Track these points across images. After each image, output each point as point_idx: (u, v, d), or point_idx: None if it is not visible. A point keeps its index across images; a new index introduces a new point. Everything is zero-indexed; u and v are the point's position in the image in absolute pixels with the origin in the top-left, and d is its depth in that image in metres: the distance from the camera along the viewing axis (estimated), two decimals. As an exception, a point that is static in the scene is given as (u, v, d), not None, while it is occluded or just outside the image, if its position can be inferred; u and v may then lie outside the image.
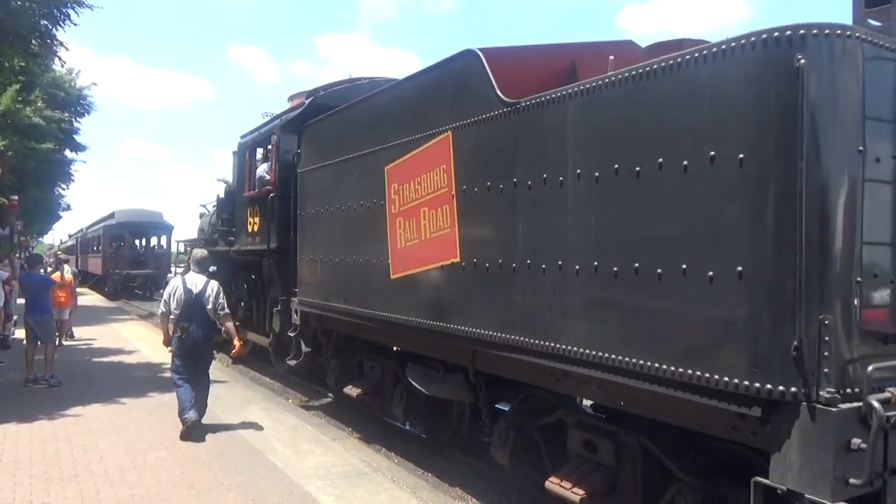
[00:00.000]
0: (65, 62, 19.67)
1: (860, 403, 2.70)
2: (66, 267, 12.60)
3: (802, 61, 2.70)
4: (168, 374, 7.29)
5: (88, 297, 26.07)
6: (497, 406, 5.70)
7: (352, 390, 6.79)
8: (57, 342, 9.79)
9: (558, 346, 3.87)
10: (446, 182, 4.91)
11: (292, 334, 7.88)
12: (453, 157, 4.84)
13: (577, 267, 3.74)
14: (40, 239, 59.22)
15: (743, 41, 2.93)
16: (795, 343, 2.71)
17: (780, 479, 2.83)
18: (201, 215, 13.47)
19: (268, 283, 9.29)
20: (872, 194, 2.92)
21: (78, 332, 14.02)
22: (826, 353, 2.72)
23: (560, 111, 3.90)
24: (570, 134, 3.85)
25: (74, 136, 24.01)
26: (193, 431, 6.25)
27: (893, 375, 2.89)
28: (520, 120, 4.21)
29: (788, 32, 2.79)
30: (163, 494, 4.83)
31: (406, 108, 5.57)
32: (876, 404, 2.64)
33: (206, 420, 6.58)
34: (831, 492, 2.64)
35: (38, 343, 8.73)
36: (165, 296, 6.53)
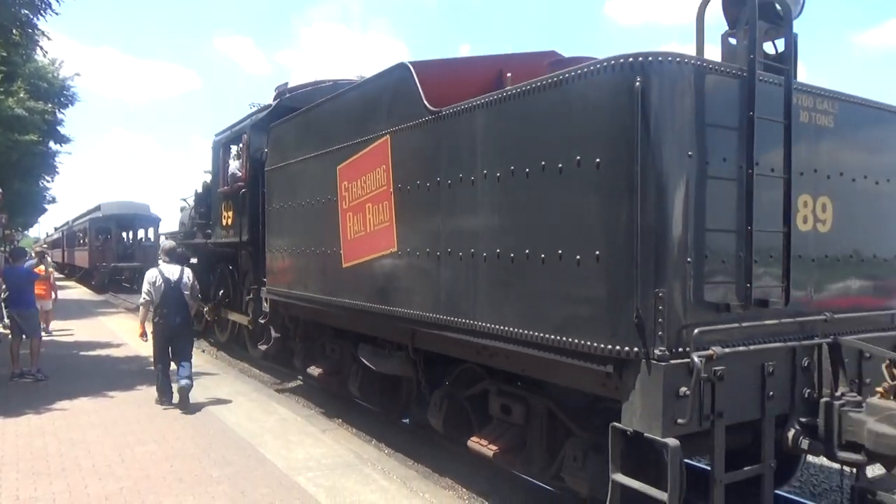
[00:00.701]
0: (47, 52, 19.52)
1: (688, 360, 3.39)
2: (48, 260, 13.09)
3: (639, 83, 3.37)
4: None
5: (75, 291, 26.56)
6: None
7: (314, 370, 7.49)
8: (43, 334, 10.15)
9: (474, 322, 4.55)
10: (386, 181, 5.58)
11: (263, 321, 8.55)
12: (391, 159, 5.50)
13: (485, 254, 4.42)
14: (25, 232, 59.26)
15: (599, 66, 3.60)
16: (636, 312, 3.40)
17: (628, 423, 3.53)
18: (182, 209, 14.10)
19: (243, 273, 9.95)
20: (714, 188, 3.60)
21: (58, 324, 14.18)
22: (660, 320, 3.40)
23: (471, 119, 4.57)
24: (478, 139, 4.52)
25: (58, 128, 24.03)
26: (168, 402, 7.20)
27: (724, 338, 3.58)
28: (442, 126, 4.88)
29: (631, 59, 3.46)
30: (151, 488, 4.82)
31: (353, 114, 6.23)
32: (696, 360, 3.32)
33: (195, 413, 6.82)
34: (662, 430, 3.33)
35: (24, 337, 8.88)
36: (146, 286, 7.17)
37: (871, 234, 4.51)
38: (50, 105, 21.80)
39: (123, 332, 13.81)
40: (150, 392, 7.64)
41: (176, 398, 7.25)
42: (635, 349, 3.42)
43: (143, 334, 7.35)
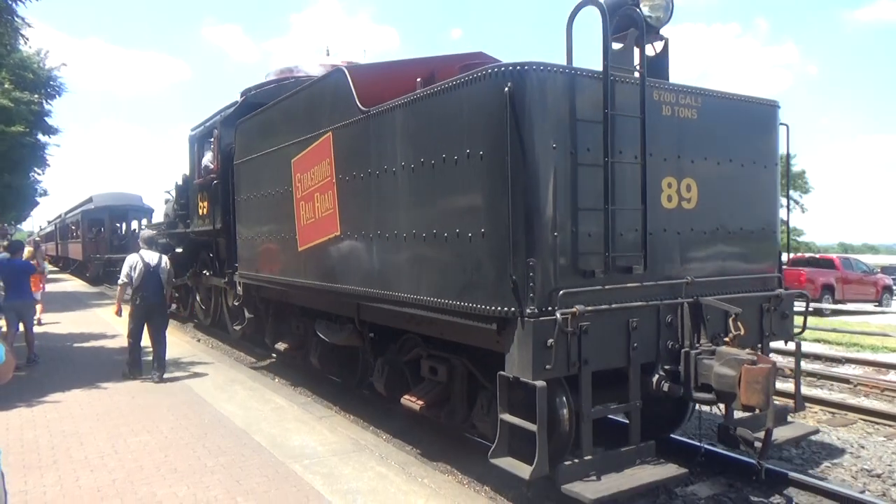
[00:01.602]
0: (28, 39, 18.72)
1: (554, 317, 4.17)
2: (43, 250, 13.73)
3: (507, 88, 4.12)
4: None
5: (70, 283, 27.27)
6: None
7: (280, 345, 8.32)
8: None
9: (400, 294, 5.33)
10: (330, 172, 6.35)
11: (237, 304, 9.35)
12: (333, 153, 6.27)
13: (405, 234, 5.20)
14: (19, 226, 59.73)
15: (482, 73, 4.35)
16: (512, 278, 4.18)
17: (510, 370, 4.31)
18: (166, 201, 14.87)
19: (221, 259, 10.74)
20: (580, 174, 4.36)
21: (52, 316, 14.51)
22: (532, 284, 4.18)
23: (392, 118, 5.33)
24: (397, 135, 5.29)
25: (46, 119, 23.83)
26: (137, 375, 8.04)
27: (591, 300, 4.35)
28: (370, 123, 5.64)
29: (503, 68, 4.21)
30: (145, 479, 4.80)
31: (303, 112, 6.98)
32: (559, 316, 4.10)
33: (189, 401, 6.99)
34: (533, 374, 4.11)
35: (17, 330, 9.29)
36: (126, 269, 8.01)
37: (738, 209, 5.28)
38: (36, 96, 21.44)
39: (117, 324, 13.15)
40: (144, 383, 7.86)
41: (147, 372, 8.10)
42: (512, 309, 4.21)
43: (119, 311, 8.27)
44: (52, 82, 22.58)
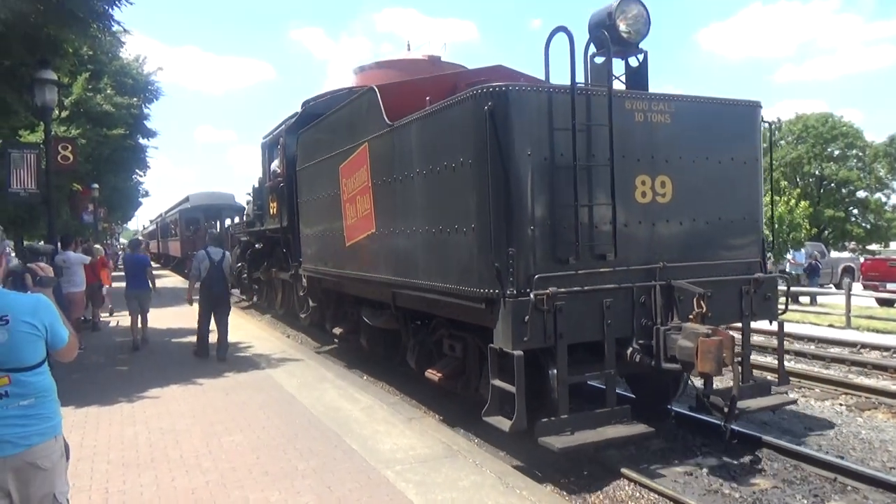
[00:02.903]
0: (124, 43, 19.87)
1: (529, 297, 5.06)
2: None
3: (488, 106, 5.05)
4: (244, 354, 9.50)
5: (169, 280, 29.93)
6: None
7: (337, 330, 9.55)
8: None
9: (420, 282, 6.36)
10: (367, 178, 7.45)
11: (302, 294, 10.68)
12: (369, 161, 7.37)
13: (421, 230, 6.22)
14: (125, 225, 64.65)
15: (469, 94, 5.30)
16: (496, 265, 5.11)
17: (496, 343, 5.25)
18: (248, 202, 16.55)
19: (289, 253, 12.14)
20: (555, 176, 5.22)
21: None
22: (511, 270, 5.09)
23: (409, 131, 6.36)
24: (413, 146, 6.31)
25: (145, 122, 24.47)
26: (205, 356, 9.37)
27: (567, 283, 5.21)
28: (395, 135, 6.68)
29: (485, 90, 5.14)
30: (238, 481, 4.83)
31: (346, 125, 8.12)
32: (532, 297, 4.99)
33: (280, 399, 7.14)
34: (513, 345, 5.02)
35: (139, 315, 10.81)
36: (196, 263, 9.48)
37: (716, 202, 5.96)
38: (135, 100, 22.24)
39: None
40: (238, 379, 8.24)
41: (206, 354, 9.56)
42: (496, 291, 5.14)
43: (191, 300, 9.79)
44: (149, 87, 23.64)
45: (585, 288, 5.29)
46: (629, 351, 5.50)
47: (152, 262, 17.55)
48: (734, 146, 6.07)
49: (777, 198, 21.69)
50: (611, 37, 5.69)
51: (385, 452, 5.39)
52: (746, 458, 5.63)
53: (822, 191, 55.75)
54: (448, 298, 5.89)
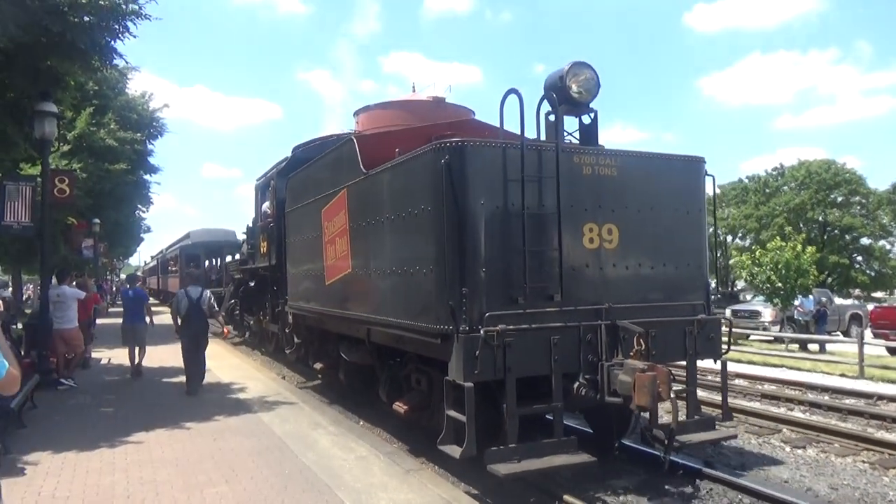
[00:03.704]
0: (130, 79, 21.19)
1: (479, 333, 5.60)
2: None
3: (444, 160, 5.67)
4: (235, 396, 9.77)
5: (168, 317, 30.33)
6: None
7: (318, 365, 10.06)
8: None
9: (388, 318, 6.91)
10: (345, 221, 8.07)
11: (287, 330, 11.23)
12: (347, 206, 7.99)
13: (388, 270, 6.80)
14: (127, 261, 65.25)
15: (430, 148, 5.93)
16: (450, 303, 5.67)
17: (451, 375, 5.77)
18: (243, 240, 17.23)
19: (277, 291, 12.72)
20: (507, 222, 5.81)
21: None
22: (464, 308, 5.63)
23: (380, 179, 6.99)
24: (384, 193, 6.94)
25: (148, 158, 24.72)
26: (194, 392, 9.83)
27: (517, 321, 5.74)
28: (369, 183, 7.32)
29: (443, 144, 5.78)
30: None
31: (327, 172, 8.79)
32: (482, 333, 5.53)
33: (270, 446, 6.99)
34: (464, 377, 5.54)
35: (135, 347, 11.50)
36: (175, 302, 10.17)
37: (661, 248, 6.54)
38: (139, 135, 22.46)
39: (210, 359, 12.99)
40: (228, 423, 8.12)
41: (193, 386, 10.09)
42: (450, 327, 5.68)
43: (178, 331, 10.31)
44: (154, 123, 23.85)
45: (533, 326, 5.82)
46: (576, 385, 6.00)
47: (151, 299, 18.02)
48: (679, 198, 6.67)
49: (783, 243, 21.98)
50: (563, 97, 6.37)
51: None
52: (688, 489, 6.08)
53: (825, 237, 56.36)
54: (411, 334, 6.44)
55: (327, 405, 9.77)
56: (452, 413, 5.80)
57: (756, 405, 10.56)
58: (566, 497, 5.72)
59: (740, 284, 59.37)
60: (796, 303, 22.23)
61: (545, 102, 6.41)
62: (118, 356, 13.82)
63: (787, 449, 7.98)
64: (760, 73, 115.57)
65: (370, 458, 6.57)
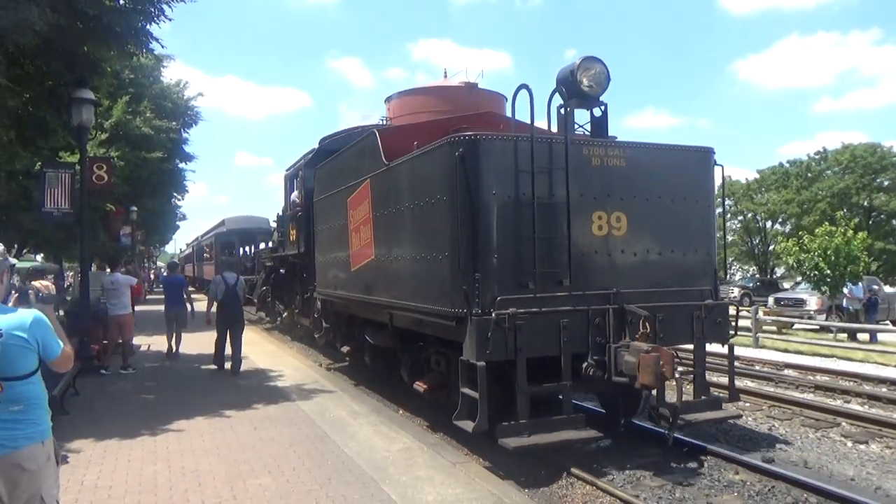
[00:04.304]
0: (166, 66, 21.57)
1: (492, 316, 6.05)
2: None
3: (458, 152, 6.11)
4: (273, 383, 9.96)
5: (203, 303, 31.19)
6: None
7: (344, 348, 10.61)
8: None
9: (408, 303, 7.40)
10: (369, 210, 8.56)
11: (317, 316, 11.81)
12: (371, 195, 8.48)
13: (408, 257, 7.28)
14: (163, 248, 66.95)
15: (444, 142, 6.37)
16: (464, 288, 6.12)
17: (465, 355, 6.23)
18: (274, 229, 17.90)
19: (308, 277, 13.32)
20: (519, 211, 6.23)
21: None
22: (478, 293, 6.09)
23: (400, 170, 7.46)
24: (403, 183, 7.40)
25: (183, 146, 24.97)
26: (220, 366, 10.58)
27: (528, 305, 6.17)
28: (391, 174, 7.79)
29: (457, 139, 6.21)
30: None
31: (352, 163, 9.29)
32: (493, 315, 5.98)
33: (311, 436, 6.95)
34: (477, 357, 6.00)
35: (174, 332, 12.41)
36: (213, 287, 10.83)
37: (670, 235, 6.89)
38: (175, 124, 22.80)
39: (245, 345, 13.26)
40: (267, 411, 8.14)
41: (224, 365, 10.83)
42: (464, 310, 6.14)
43: (209, 320, 10.99)
44: (189, 111, 24.22)
45: (543, 309, 6.25)
46: (585, 365, 6.42)
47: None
48: (687, 186, 7.01)
49: (833, 228, 21.38)
50: (575, 91, 6.74)
51: None
52: (692, 464, 6.46)
53: (870, 222, 55.27)
54: (430, 318, 6.91)
55: (366, 394, 9.69)
56: (466, 390, 6.26)
57: (810, 397, 10.34)
58: (573, 469, 6.13)
59: (779, 272, 58.96)
60: (845, 290, 21.53)
61: (556, 96, 6.79)
62: (157, 343, 14.28)
63: (849, 444, 7.63)
64: (799, 56, 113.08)
65: (413, 450, 6.46)
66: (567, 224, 6.33)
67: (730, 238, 63.47)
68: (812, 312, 23.53)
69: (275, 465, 6.01)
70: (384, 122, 12.73)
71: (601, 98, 6.93)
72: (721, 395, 7.52)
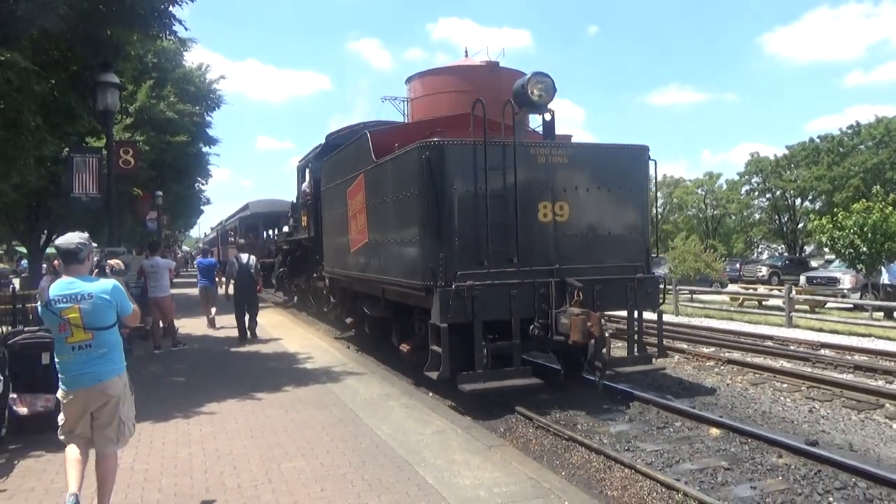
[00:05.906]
0: (189, 49, 22.17)
1: (452, 287, 7.78)
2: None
3: (425, 155, 7.84)
4: (303, 366, 10.32)
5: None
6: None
7: (348, 320, 12.49)
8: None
9: (393, 279, 9.19)
10: (363, 201, 10.35)
11: (325, 292, 13.70)
12: (364, 187, 10.27)
13: (391, 240, 9.06)
14: (188, 233, 69.57)
15: (415, 147, 8.10)
16: (430, 265, 7.88)
17: (432, 319, 7.98)
18: (289, 216, 19.81)
19: (316, 259, 15.20)
20: (474, 202, 7.95)
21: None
22: (441, 269, 7.83)
23: (386, 167, 9.22)
24: (388, 178, 9.17)
25: (207, 130, 25.69)
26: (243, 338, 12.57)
27: (480, 278, 7.90)
28: (379, 170, 9.56)
29: (425, 143, 7.94)
30: None
31: (351, 158, 11.07)
32: (454, 287, 7.72)
33: (343, 418, 7.09)
34: (440, 320, 7.75)
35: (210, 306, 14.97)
36: (229, 268, 12.87)
37: (607, 220, 8.56)
38: (198, 108, 23.48)
39: (271, 328, 14.47)
40: (297, 394, 8.36)
41: (245, 334, 12.82)
42: (430, 283, 7.90)
43: (227, 296, 13.07)
44: (211, 95, 24.85)
45: (496, 282, 7.98)
46: (531, 327, 8.14)
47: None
48: (623, 178, 8.66)
49: (870, 204, 21.15)
50: (526, 100, 8.42)
51: (467, 489, 5.08)
52: (621, 408, 8.18)
53: (905, 199, 55.46)
54: (411, 290, 8.69)
55: (395, 376, 9.86)
56: (434, 347, 8.04)
57: (850, 377, 10.23)
58: (517, 407, 7.90)
59: (808, 249, 59.54)
60: (883, 269, 21.16)
61: (510, 105, 8.48)
62: (186, 325, 14.87)
63: (895, 426, 7.67)
64: (828, 28, 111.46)
65: (448, 433, 6.56)
66: (514, 211, 8.04)
67: (756, 216, 64.28)
68: (846, 291, 23.82)
69: (308, 448, 6.14)
70: (404, 103, 13.99)
71: (549, 106, 8.59)
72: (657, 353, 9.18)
